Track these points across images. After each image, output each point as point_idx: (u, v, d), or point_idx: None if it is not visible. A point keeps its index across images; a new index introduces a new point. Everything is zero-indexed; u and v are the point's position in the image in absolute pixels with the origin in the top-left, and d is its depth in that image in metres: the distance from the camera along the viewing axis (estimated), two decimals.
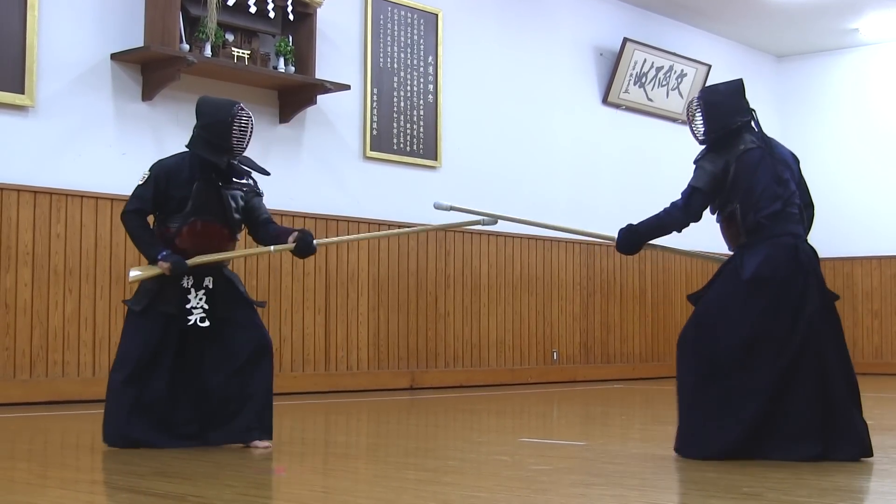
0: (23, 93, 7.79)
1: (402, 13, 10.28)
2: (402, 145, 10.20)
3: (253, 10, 8.75)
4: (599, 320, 12.00)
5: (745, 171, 5.08)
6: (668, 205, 5.28)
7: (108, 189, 8.13)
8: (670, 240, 5.37)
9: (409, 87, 10.29)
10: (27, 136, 7.87)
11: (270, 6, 8.82)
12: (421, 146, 10.35)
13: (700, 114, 5.24)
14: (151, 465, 4.68)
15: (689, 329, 5.10)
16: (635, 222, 5.34)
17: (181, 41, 8.36)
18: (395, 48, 10.20)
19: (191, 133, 5.54)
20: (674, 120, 13.19)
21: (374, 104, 9.99)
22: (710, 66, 13.36)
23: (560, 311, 11.56)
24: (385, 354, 9.87)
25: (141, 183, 5.43)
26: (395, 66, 10.19)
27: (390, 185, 10.09)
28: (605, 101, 12.44)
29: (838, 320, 5.09)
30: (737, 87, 5.31)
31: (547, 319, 11.41)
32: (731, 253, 5.22)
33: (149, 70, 8.42)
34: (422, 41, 10.43)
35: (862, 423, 4.96)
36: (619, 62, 12.34)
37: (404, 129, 10.23)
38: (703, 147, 5.27)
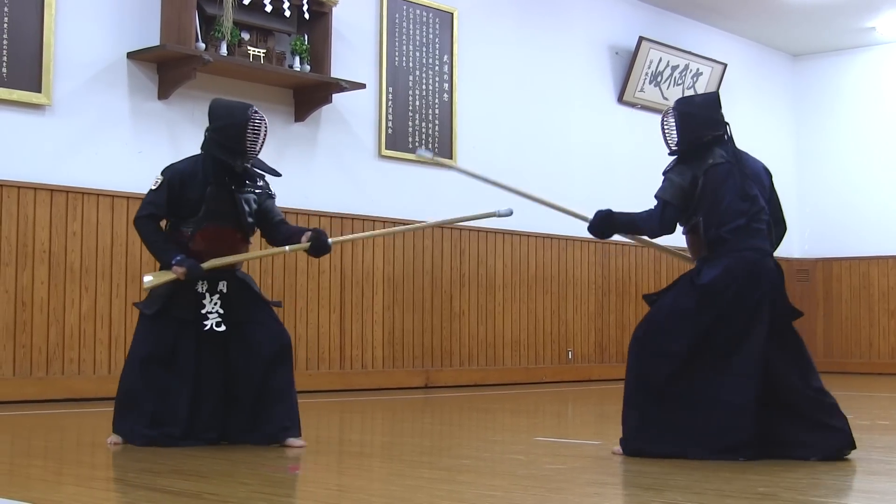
0: (39, 91, 7.82)
1: (418, 12, 10.28)
2: (417, 144, 10.20)
3: (269, 8, 8.75)
4: (614, 319, 11.98)
5: (712, 186, 5.09)
6: (648, 209, 5.29)
7: (124, 187, 8.15)
8: None
9: (424, 86, 10.29)
10: (44, 134, 7.90)
11: (286, 5, 8.84)
12: (436, 145, 10.35)
13: (674, 124, 5.25)
14: (167, 462, 4.69)
15: (638, 330, 5.16)
16: (615, 210, 5.39)
17: (197, 40, 8.37)
18: (411, 47, 10.21)
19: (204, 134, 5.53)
20: None
21: (390, 103, 9.99)
22: (725, 65, 13.33)
23: (575, 310, 11.55)
24: (400, 353, 9.88)
25: (154, 188, 5.39)
26: (411, 64, 10.20)
27: (405, 184, 10.09)
28: (620, 99, 12.43)
29: (794, 336, 5.06)
30: (713, 100, 5.33)
31: (562, 318, 11.40)
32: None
33: (165, 69, 8.44)
34: (437, 40, 10.43)
35: (834, 425, 4.93)
36: (634, 61, 12.32)
37: (419, 128, 10.23)
38: (673, 158, 5.28)
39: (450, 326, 10.31)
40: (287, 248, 5.54)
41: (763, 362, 4.91)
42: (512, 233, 10.85)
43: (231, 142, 5.38)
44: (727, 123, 5.27)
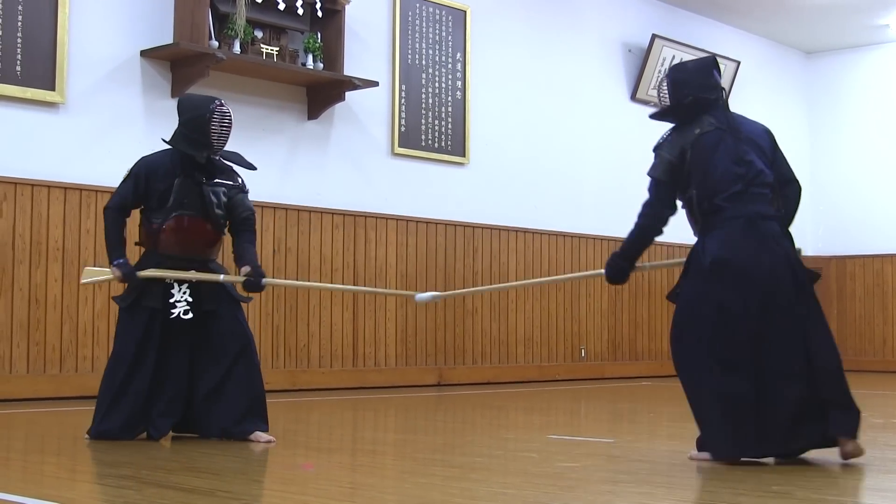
0: (53, 89, 7.84)
1: (431, 10, 10.28)
2: (430, 142, 10.20)
3: (282, 6, 8.76)
4: (627, 317, 11.96)
5: (701, 155, 4.87)
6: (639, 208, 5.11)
7: None
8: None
9: (437, 84, 10.29)
10: (58, 132, 7.92)
11: (299, 3, 8.84)
12: (449, 143, 10.35)
13: (667, 90, 5.04)
14: (180, 459, 4.70)
15: (672, 332, 4.94)
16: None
17: (210, 38, 8.39)
18: (424, 45, 10.20)
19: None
20: None
21: (403, 101, 9.99)
22: (738, 63, 13.31)
23: (588, 307, 11.53)
24: (412, 351, 9.88)
25: (123, 180, 5.57)
26: (424, 62, 10.19)
27: (418, 182, 10.10)
28: (633, 97, 12.41)
29: (815, 300, 4.80)
30: (705, 64, 5.11)
31: (575, 316, 11.39)
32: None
33: (178, 67, 8.45)
34: (450, 38, 10.42)
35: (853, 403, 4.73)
36: (647, 58, 12.31)
37: (432, 126, 10.23)
38: (664, 133, 5.05)
39: (463, 324, 10.30)
40: (221, 277, 5.57)
41: (800, 331, 4.66)
42: (525, 230, 10.84)
43: (197, 134, 5.50)
44: (723, 89, 5.06)
